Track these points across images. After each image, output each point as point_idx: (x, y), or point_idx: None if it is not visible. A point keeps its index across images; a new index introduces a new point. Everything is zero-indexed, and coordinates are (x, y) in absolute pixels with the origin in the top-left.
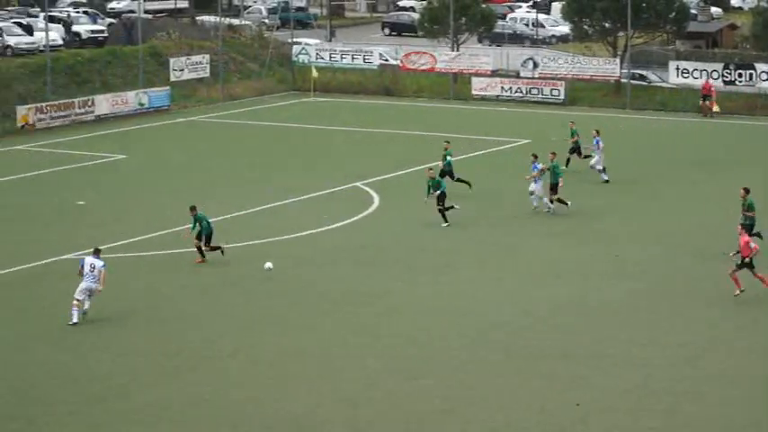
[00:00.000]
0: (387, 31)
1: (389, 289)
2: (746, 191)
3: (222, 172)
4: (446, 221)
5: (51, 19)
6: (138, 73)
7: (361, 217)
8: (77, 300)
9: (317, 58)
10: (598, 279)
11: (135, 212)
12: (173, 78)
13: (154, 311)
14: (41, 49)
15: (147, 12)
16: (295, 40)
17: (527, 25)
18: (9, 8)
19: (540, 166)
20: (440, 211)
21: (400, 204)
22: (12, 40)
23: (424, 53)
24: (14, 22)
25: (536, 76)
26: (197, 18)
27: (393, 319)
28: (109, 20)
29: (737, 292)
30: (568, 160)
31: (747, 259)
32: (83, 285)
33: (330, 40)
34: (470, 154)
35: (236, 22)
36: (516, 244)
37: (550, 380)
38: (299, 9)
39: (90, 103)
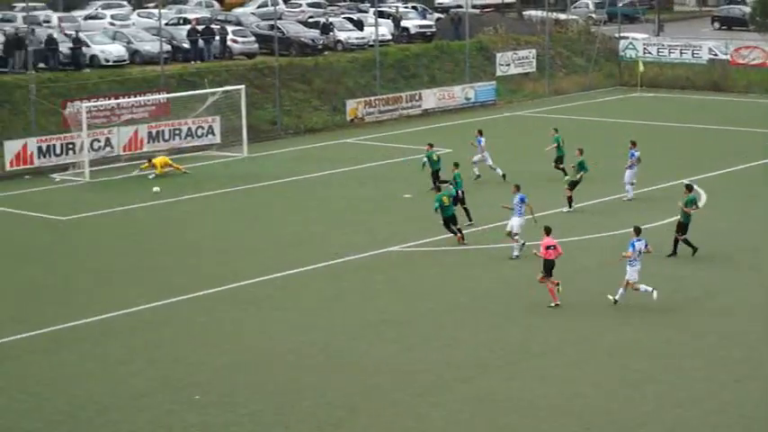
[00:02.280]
0: (716, 25)
1: (716, 288)
2: None
3: (546, 168)
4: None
5: (381, 14)
6: (464, 68)
7: None
8: (516, 237)
9: (644, 53)
10: None
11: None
12: (499, 73)
13: (472, 306)
14: (371, 44)
15: (474, 7)
16: (622, 34)
17: None
18: (340, 3)
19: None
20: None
21: (729, 202)
22: (342, 35)
23: (755, 47)
24: (345, 18)
25: None
26: (524, 13)
27: (721, 320)
28: (437, 15)
29: None
30: None
31: None
32: (516, 222)
33: (658, 35)
34: None
35: (562, 16)
36: None
37: None
38: (629, 4)
39: (417, 98)
